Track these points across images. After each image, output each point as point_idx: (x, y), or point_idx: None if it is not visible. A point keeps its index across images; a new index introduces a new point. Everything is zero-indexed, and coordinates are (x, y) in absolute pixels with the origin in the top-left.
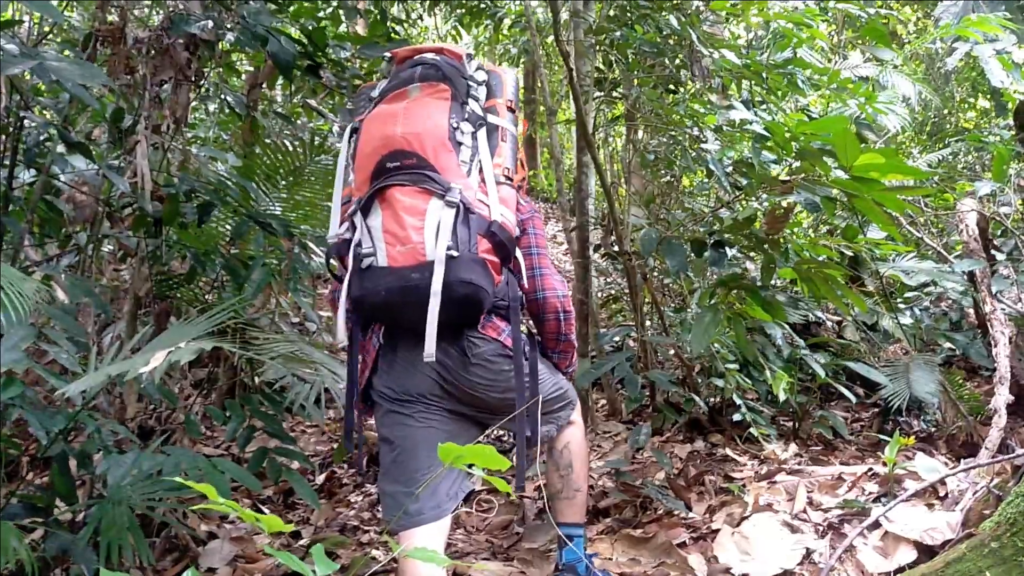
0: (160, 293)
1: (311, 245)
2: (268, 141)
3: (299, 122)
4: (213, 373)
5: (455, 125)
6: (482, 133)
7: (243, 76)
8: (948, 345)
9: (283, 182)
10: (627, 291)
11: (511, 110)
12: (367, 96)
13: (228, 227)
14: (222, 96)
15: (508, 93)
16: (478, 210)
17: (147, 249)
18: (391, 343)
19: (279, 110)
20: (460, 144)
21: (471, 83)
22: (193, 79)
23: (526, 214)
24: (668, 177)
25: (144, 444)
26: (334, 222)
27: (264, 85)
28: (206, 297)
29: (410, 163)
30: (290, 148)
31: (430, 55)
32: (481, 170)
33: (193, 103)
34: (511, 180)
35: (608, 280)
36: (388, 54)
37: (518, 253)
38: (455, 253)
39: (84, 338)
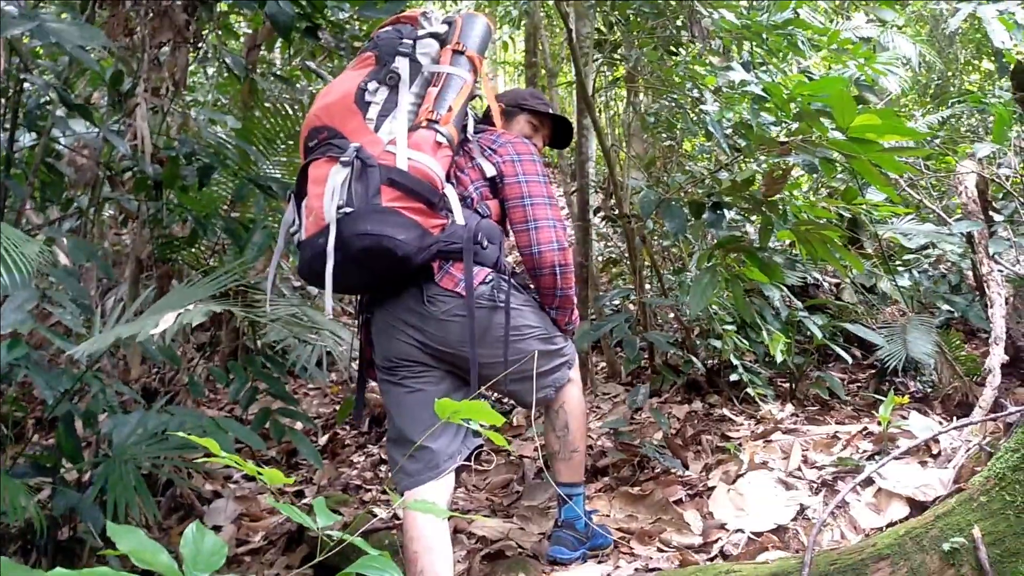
0: (162, 256)
1: None
2: (267, 105)
3: (299, 85)
4: (215, 336)
5: (363, 87)
6: (403, 86)
7: (241, 39)
8: (947, 307)
9: (283, 146)
10: (627, 254)
11: (459, 52)
12: None
13: (228, 190)
14: (221, 59)
15: (457, 37)
16: (382, 161)
17: (148, 212)
18: (370, 314)
19: (278, 72)
20: (369, 104)
21: (405, 41)
22: (191, 41)
23: (506, 155)
24: (668, 141)
25: (148, 405)
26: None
27: (263, 47)
28: (208, 260)
29: (323, 137)
30: (290, 112)
31: (384, 29)
32: (395, 120)
33: (192, 66)
34: (435, 123)
35: (608, 244)
36: None
37: (508, 203)
38: (350, 209)
39: (87, 300)
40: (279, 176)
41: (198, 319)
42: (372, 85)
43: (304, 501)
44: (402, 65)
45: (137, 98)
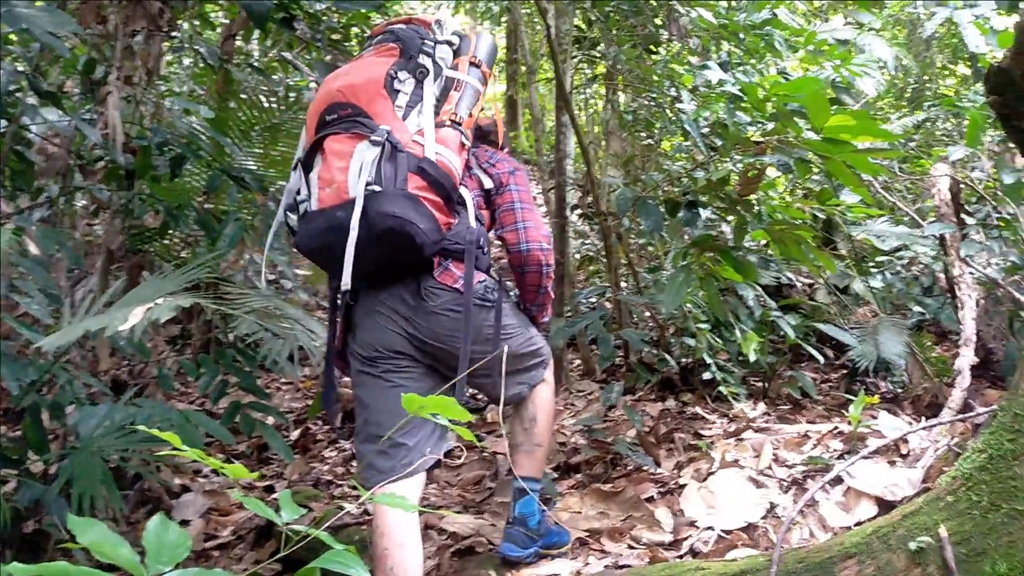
0: (133, 247)
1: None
2: (243, 96)
3: (275, 77)
4: (187, 329)
5: (393, 75)
6: (428, 82)
7: (217, 29)
8: (918, 309)
9: (258, 138)
10: (603, 252)
11: (475, 65)
12: None
13: (201, 181)
14: (196, 48)
15: (474, 51)
16: (410, 149)
17: (119, 203)
18: (354, 302)
19: (254, 64)
20: (397, 92)
21: (428, 42)
22: (166, 30)
23: (504, 169)
24: (647, 140)
25: (117, 397)
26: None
27: (238, 37)
28: (180, 252)
29: (346, 113)
30: (265, 103)
31: (398, 26)
32: (421, 114)
33: (167, 56)
34: (459, 124)
35: (584, 242)
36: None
37: (500, 208)
38: (378, 188)
39: (56, 291)
40: (253, 168)
41: (167, 315)
42: (403, 75)
43: (274, 496)
44: (427, 63)
45: (110, 86)
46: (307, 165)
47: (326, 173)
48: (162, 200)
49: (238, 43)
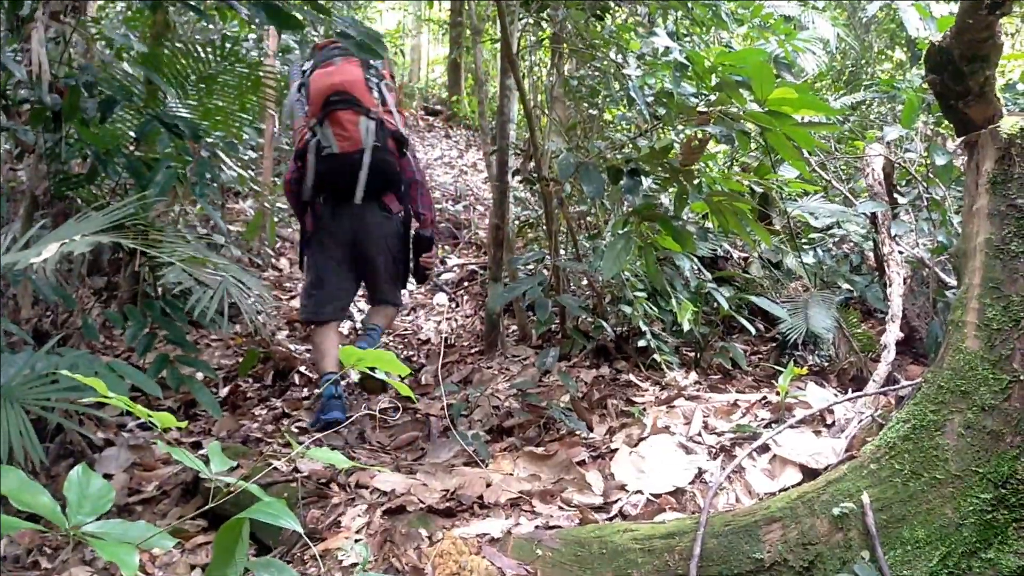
0: (58, 193)
1: (222, 155)
2: (180, 46)
3: (214, 26)
4: (113, 281)
5: (367, 78)
6: (383, 85)
7: None
8: (847, 287)
9: (193, 90)
10: (544, 218)
11: (392, 78)
12: (299, 70)
13: (133, 127)
14: None
15: (389, 71)
16: (388, 125)
17: (45, 146)
18: (333, 203)
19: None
20: (371, 88)
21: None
22: None
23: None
24: (590, 109)
25: (39, 347)
26: (297, 138)
27: None
28: (108, 199)
29: (347, 97)
30: (202, 54)
31: (340, 46)
32: (385, 103)
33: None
34: (399, 112)
35: (525, 207)
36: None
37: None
38: (378, 144)
39: None
40: (187, 116)
41: (82, 249)
42: (371, 79)
43: (201, 452)
44: (375, 75)
45: (37, 23)
46: (321, 122)
47: (343, 132)
48: (90, 144)
49: None
